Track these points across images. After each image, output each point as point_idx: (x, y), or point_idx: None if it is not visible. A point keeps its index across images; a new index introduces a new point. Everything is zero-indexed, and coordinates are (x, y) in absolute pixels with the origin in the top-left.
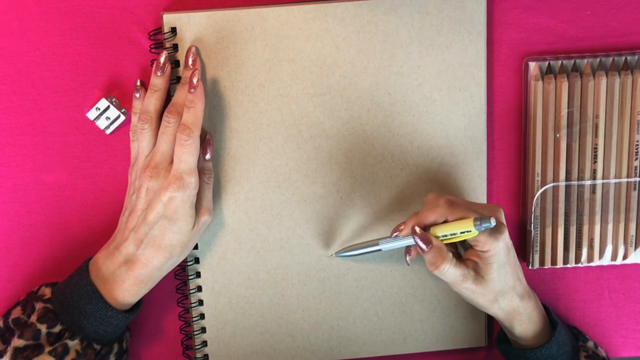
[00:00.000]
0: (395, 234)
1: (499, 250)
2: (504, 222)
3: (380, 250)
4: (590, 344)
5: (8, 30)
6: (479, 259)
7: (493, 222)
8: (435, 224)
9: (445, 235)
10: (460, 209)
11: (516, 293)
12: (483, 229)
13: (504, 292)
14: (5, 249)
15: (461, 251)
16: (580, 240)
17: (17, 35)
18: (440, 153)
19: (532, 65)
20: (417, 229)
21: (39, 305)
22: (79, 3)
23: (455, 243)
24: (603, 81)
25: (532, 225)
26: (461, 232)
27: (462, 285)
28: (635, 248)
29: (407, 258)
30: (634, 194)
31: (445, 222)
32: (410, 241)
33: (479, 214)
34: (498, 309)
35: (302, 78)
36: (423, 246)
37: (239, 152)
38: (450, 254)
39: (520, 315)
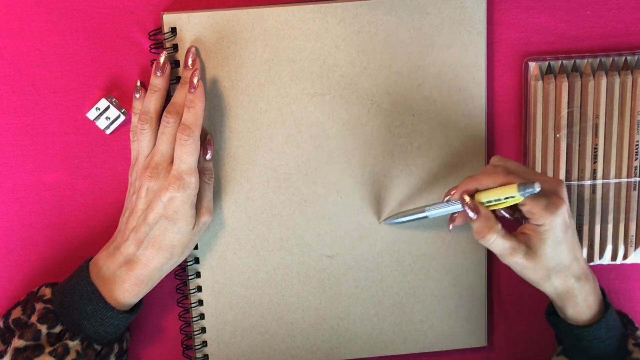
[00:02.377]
0: (447, 199)
1: (555, 225)
2: (564, 198)
3: (426, 217)
4: (639, 332)
5: (8, 30)
6: (533, 233)
7: (537, 188)
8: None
9: (490, 202)
10: (513, 176)
11: (572, 273)
12: (527, 194)
13: (557, 270)
14: (5, 249)
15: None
16: (580, 240)
17: (17, 35)
18: (440, 153)
19: (532, 65)
20: (467, 197)
21: (39, 306)
22: (79, 3)
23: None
24: (603, 81)
25: None
26: (505, 198)
27: (511, 259)
28: (635, 248)
29: (451, 225)
30: (634, 194)
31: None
32: (457, 207)
33: (530, 181)
34: (550, 287)
35: (302, 78)
36: (471, 214)
37: (239, 152)
38: (499, 225)
39: (574, 297)
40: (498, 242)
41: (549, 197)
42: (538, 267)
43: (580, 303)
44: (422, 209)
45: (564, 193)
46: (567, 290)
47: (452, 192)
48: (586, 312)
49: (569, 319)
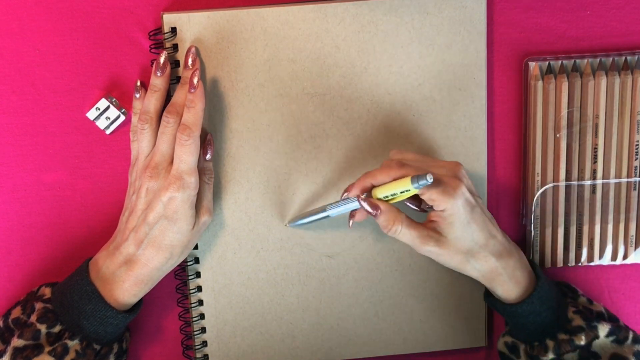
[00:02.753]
0: (344, 196)
1: (458, 207)
2: (462, 179)
3: (328, 216)
4: (582, 299)
5: (8, 30)
6: (439, 219)
7: (430, 179)
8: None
9: (387, 197)
10: (406, 168)
11: (490, 252)
12: (421, 186)
13: (474, 252)
14: (5, 249)
15: None
16: (580, 240)
17: (17, 35)
18: (440, 153)
19: (532, 65)
20: (361, 198)
21: (38, 305)
22: (79, 3)
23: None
24: (603, 81)
25: (532, 225)
26: (401, 192)
27: (424, 248)
28: (635, 248)
29: (350, 222)
30: (634, 194)
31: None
32: (356, 205)
33: (425, 171)
34: (473, 270)
35: (302, 78)
36: (371, 211)
37: (239, 152)
38: (404, 215)
39: (499, 275)
40: (405, 232)
41: (446, 181)
42: (453, 253)
43: (507, 280)
44: (322, 209)
45: (462, 174)
46: (490, 269)
47: (346, 193)
48: (515, 288)
49: (501, 297)
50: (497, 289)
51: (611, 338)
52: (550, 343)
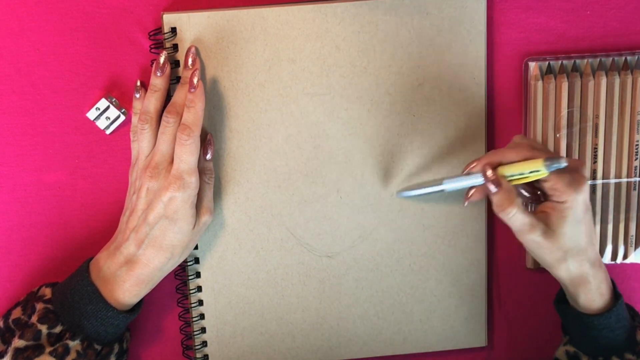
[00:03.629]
0: (466, 171)
1: (577, 203)
2: (586, 176)
3: (443, 190)
4: None
5: (8, 30)
6: (553, 211)
7: (564, 163)
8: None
9: (514, 175)
10: (537, 151)
11: (587, 258)
12: (553, 169)
13: (574, 252)
14: (5, 249)
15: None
16: None
17: (17, 35)
18: (441, 153)
19: (532, 65)
20: (489, 169)
21: (39, 306)
22: (79, 3)
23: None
24: (603, 81)
25: None
26: (530, 172)
27: (529, 236)
28: (635, 248)
29: (466, 202)
30: (634, 194)
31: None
32: (477, 181)
33: (550, 155)
34: (565, 271)
35: (302, 78)
36: (492, 187)
37: (239, 152)
38: (520, 200)
39: (588, 283)
40: (518, 217)
41: (572, 174)
42: (555, 248)
43: (594, 290)
44: (439, 181)
45: (586, 172)
46: (581, 275)
47: (473, 165)
48: (598, 300)
49: (581, 306)
50: (580, 297)
51: None
52: None
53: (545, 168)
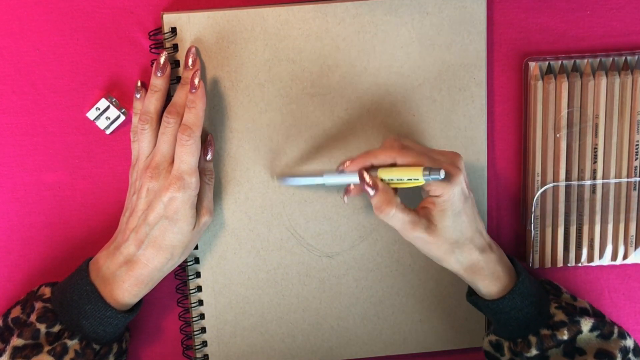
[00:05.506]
0: (340, 169)
1: (453, 196)
2: (461, 168)
3: (324, 184)
4: (566, 296)
5: (8, 30)
6: (432, 206)
7: (442, 175)
8: (382, 166)
9: (392, 180)
10: (413, 154)
11: (475, 246)
12: (431, 179)
13: (460, 243)
14: (5, 249)
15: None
16: (580, 240)
17: (17, 35)
18: None
19: (532, 65)
20: (365, 173)
21: (38, 305)
22: (79, 3)
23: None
24: (603, 81)
25: (532, 225)
26: (408, 179)
27: (413, 234)
28: (635, 248)
29: (345, 198)
30: (634, 194)
31: (394, 165)
32: (355, 179)
33: (433, 160)
34: (456, 263)
35: (302, 78)
36: (370, 190)
37: (239, 152)
38: (398, 199)
39: (481, 270)
40: (398, 216)
41: (446, 169)
42: (441, 242)
43: (488, 275)
44: (320, 173)
45: (461, 164)
46: (472, 263)
47: (347, 164)
48: (496, 283)
49: (483, 293)
50: (478, 284)
51: (595, 333)
52: (533, 339)
53: (424, 178)
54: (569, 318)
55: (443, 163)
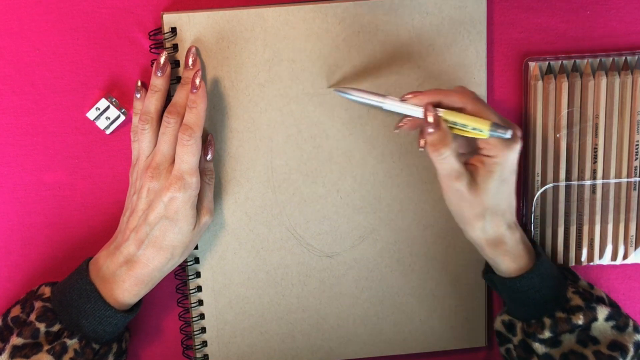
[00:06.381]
0: (404, 98)
1: (507, 160)
2: (519, 137)
3: (381, 108)
4: (583, 283)
5: (8, 30)
6: (481, 164)
7: (509, 134)
8: (451, 108)
9: (455, 124)
10: (485, 106)
11: (504, 219)
12: (496, 135)
13: (493, 211)
14: (5, 249)
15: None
16: (580, 240)
17: (17, 35)
18: None
19: (532, 65)
20: (431, 107)
21: (38, 304)
22: (79, 3)
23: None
24: (603, 81)
25: (532, 225)
26: (472, 129)
27: (455, 184)
28: (635, 248)
29: (397, 130)
30: (634, 194)
31: (461, 111)
32: (417, 113)
33: (502, 120)
34: (481, 231)
35: (302, 78)
36: (431, 125)
37: (239, 152)
38: (454, 144)
39: (504, 244)
40: (449, 160)
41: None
42: (476, 202)
43: (510, 250)
44: (382, 97)
45: (519, 135)
46: (497, 236)
47: (411, 96)
48: (517, 261)
49: (502, 271)
50: (497, 259)
51: (611, 323)
52: (547, 321)
53: (489, 132)
54: (586, 304)
55: (510, 126)
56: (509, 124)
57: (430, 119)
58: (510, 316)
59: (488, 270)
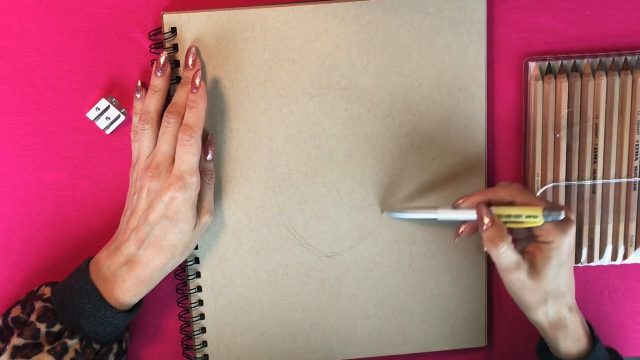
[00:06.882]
0: (455, 205)
1: (563, 244)
2: (573, 220)
3: (436, 219)
4: None
5: (8, 30)
6: (538, 251)
7: (562, 215)
8: (501, 203)
9: (510, 217)
10: (532, 195)
11: (566, 303)
12: (551, 219)
13: (554, 296)
14: (5, 249)
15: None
16: (580, 240)
17: (17, 35)
18: (441, 153)
19: (532, 65)
20: (483, 206)
21: (38, 305)
22: (79, 3)
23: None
24: (603, 81)
25: None
26: (527, 217)
27: (514, 275)
28: (635, 248)
29: (456, 239)
30: (634, 194)
31: (512, 204)
32: (471, 216)
33: (549, 205)
34: (544, 315)
35: (302, 78)
36: (486, 221)
37: (239, 152)
38: (510, 237)
39: (565, 328)
40: (507, 254)
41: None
42: (538, 289)
43: (571, 334)
44: (434, 210)
45: (573, 217)
46: (559, 319)
47: (461, 200)
48: (576, 344)
49: (560, 352)
50: (559, 341)
51: None
52: None
53: (543, 217)
54: None
55: (561, 207)
56: (559, 207)
57: (486, 219)
58: None
59: (542, 348)
